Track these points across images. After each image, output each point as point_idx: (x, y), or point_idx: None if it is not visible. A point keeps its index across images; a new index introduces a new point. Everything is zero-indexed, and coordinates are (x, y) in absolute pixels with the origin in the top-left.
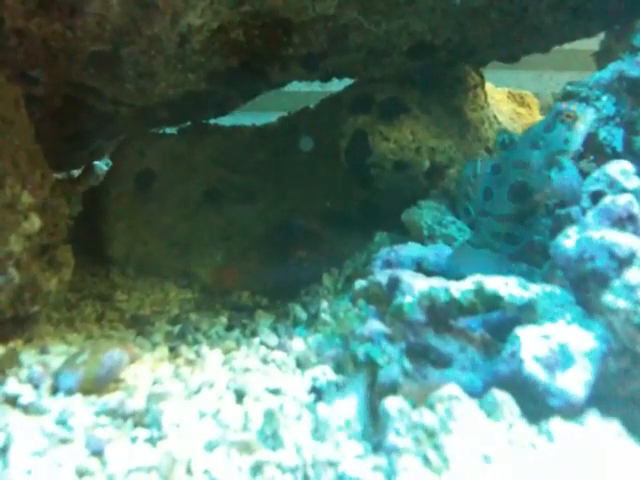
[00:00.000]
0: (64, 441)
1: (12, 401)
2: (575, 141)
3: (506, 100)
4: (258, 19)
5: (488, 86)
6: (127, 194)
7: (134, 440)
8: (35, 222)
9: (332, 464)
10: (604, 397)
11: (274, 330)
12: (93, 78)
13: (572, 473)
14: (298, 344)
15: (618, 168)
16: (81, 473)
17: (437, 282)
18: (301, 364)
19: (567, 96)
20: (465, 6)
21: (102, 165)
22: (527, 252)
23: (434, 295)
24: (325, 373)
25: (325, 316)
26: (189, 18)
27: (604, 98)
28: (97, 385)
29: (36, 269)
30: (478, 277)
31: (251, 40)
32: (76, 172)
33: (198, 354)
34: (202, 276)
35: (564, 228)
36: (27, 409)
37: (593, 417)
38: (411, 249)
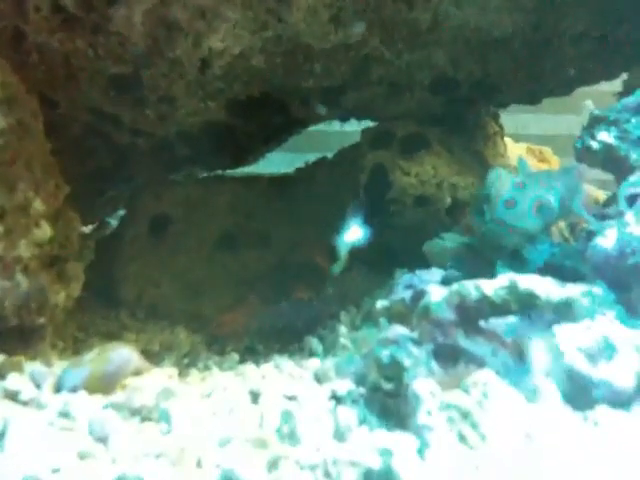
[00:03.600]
0: (66, 428)
1: (12, 397)
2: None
3: (525, 155)
4: (280, 45)
5: (507, 140)
6: (141, 237)
7: (142, 431)
8: (46, 230)
9: (354, 464)
10: None
11: (290, 358)
12: (112, 102)
13: (615, 456)
14: (315, 363)
15: None
16: (83, 456)
17: (467, 281)
18: (319, 379)
19: (595, 121)
20: (487, 36)
21: (114, 222)
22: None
23: (464, 292)
24: (345, 385)
25: (344, 341)
26: (211, 41)
27: (634, 120)
28: (104, 383)
29: (45, 279)
30: (512, 275)
31: (272, 68)
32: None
33: (209, 374)
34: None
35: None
36: (27, 404)
37: None
38: (434, 274)
